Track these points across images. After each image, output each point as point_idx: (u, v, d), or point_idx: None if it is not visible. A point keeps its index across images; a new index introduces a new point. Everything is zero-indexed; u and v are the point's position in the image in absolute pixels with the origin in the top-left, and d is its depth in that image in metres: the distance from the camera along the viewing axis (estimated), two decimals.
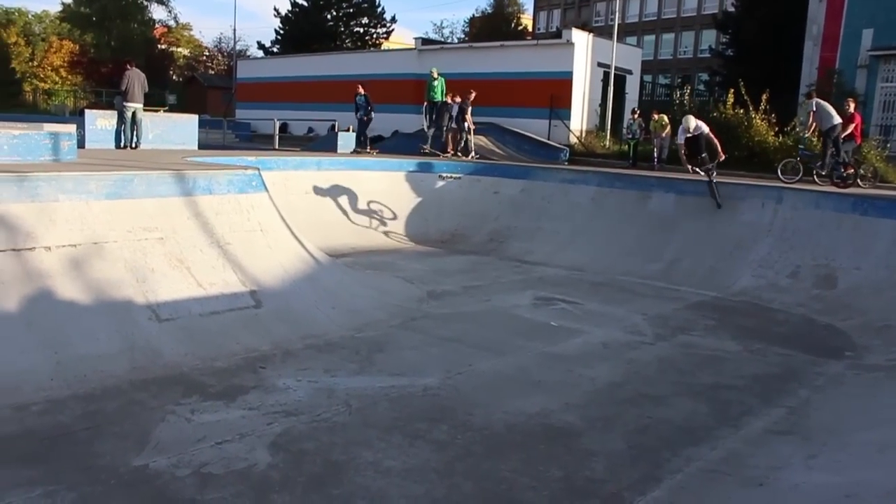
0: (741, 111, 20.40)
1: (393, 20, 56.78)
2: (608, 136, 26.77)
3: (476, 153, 20.35)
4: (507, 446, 5.48)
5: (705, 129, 13.60)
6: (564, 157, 23.64)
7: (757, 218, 12.64)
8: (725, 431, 5.95)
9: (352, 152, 19.50)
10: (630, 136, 21.96)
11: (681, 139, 13.65)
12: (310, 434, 5.51)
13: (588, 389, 6.87)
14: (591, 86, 27.71)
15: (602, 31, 42.24)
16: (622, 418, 6.17)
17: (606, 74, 27.53)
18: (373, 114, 20.84)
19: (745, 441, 5.78)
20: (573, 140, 26.07)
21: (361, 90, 20.79)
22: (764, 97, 19.81)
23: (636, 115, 22.02)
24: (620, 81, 28.81)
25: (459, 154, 19.79)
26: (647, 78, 45.63)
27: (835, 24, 24.77)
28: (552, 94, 26.39)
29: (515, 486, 4.86)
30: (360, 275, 10.67)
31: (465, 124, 19.88)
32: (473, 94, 20.06)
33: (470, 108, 19.93)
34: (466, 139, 20.07)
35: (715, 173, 13.52)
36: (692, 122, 13.56)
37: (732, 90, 20.76)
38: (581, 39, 27.49)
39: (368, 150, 19.72)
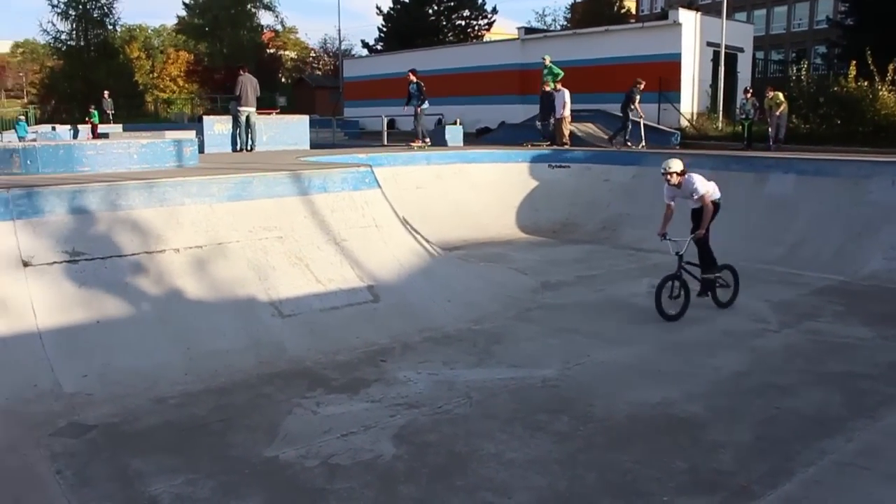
0: (865, 84, 19.34)
1: (494, 11, 56.71)
2: (720, 118, 25.91)
3: (639, 143, 19.72)
4: (630, 437, 5.42)
5: (699, 184, 8.76)
6: (676, 141, 23.01)
7: (886, 197, 11.92)
8: (861, 423, 5.67)
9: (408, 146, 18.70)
10: (743, 117, 21.18)
11: (667, 197, 8.97)
12: (432, 426, 5.60)
13: (711, 379, 6.69)
14: (700, 66, 26.87)
15: (709, 9, 40.87)
16: (748, 409, 5.98)
17: (716, 54, 26.63)
18: (426, 104, 18.86)
19: (885, 433, 5.51)
20: (684, 123, 25.37)
21: (413, 77, 18.93)
22: (891, 67, 18.72)
23: (749, 95, 21.20)
24: (731, 60, 27.83)
25: (617, 145, 19.28)
26: (759, 54, 43.91)
27: None
28: (660, 77, 25.72)
29: (640, 477, 4.80)
30: (473, 267, 10.74)
31: (632, 114, 19.46)
32: (643, 84, 19.61)
33: (638, 97, 19.51)
34: (626, 129, 19.64)
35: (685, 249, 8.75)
36: (675, 164, 8.77)
37: (854, 62, 19.69)
38: (688, 19, 26.69)
39: (421, 144, 18.53)
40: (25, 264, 7.07)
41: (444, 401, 6.10)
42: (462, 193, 15.56)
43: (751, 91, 21.56)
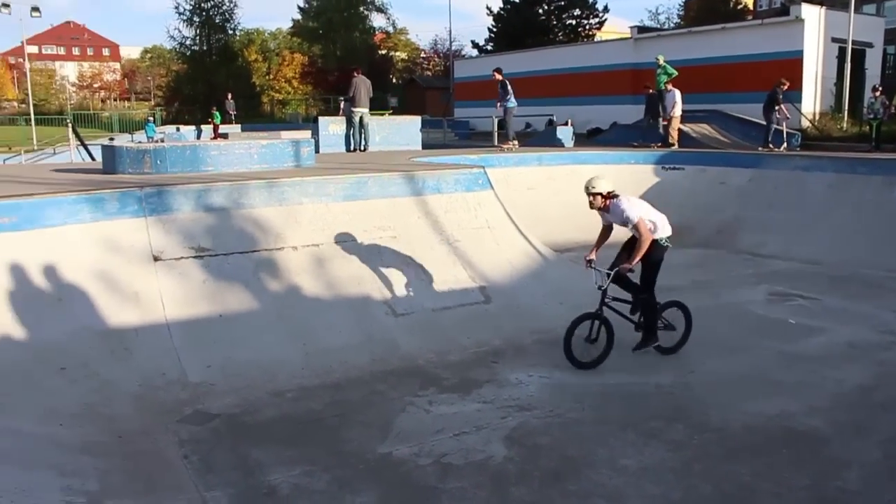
0: None
1: (605, 10, 55.86)
2: (846, 118, 24.75)
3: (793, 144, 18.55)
4: (747, 449, 5.26)
5: (631, 210, 7.00)
6: (796, 143, 22.14)
7: None
8: None
9: (496, 146, 17.84)
10: (871, 116, 20.12)
11: (604, 219, 7.40)
12: (544, 429, 5.60)
13: (834, 392, 6.41)
14: (824, 64, 25.73)
15: (834, 2, 39.08)
16: (876, 425, 5.70)
17: (842, 50, 25.42)
18: (510, 103, 17.32)
19: None
20: (805, 124, 24.36)
21: (498, 76, 17.45)
22: None
23: (878, 93, 20.13)
24: (859, 56, 26.50)
25: (771, 145, 18.46)
26: (891, 49, 41.59)
27: None
28: (780, 75, 24.84)
29: (758, 491, 4.66)
30: (585, 269, 10.60)
31: (775, 115, 18.66)
32: (786, 84, 18.72)
33: (780, 97, 18.73)
34: (770, 131, 18.81)
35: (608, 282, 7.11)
36: (600, 184, 7.10)
37: None
38: (812, 14, 25.59)
39: (510, 145, 17.42)
40: (156, 259, 7.49)
41: (555, 404, 6.08)
42: (574, 195, 15.13)
43: (880, 89, 20.47)
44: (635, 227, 6.97)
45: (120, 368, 6.48)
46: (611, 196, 7.04)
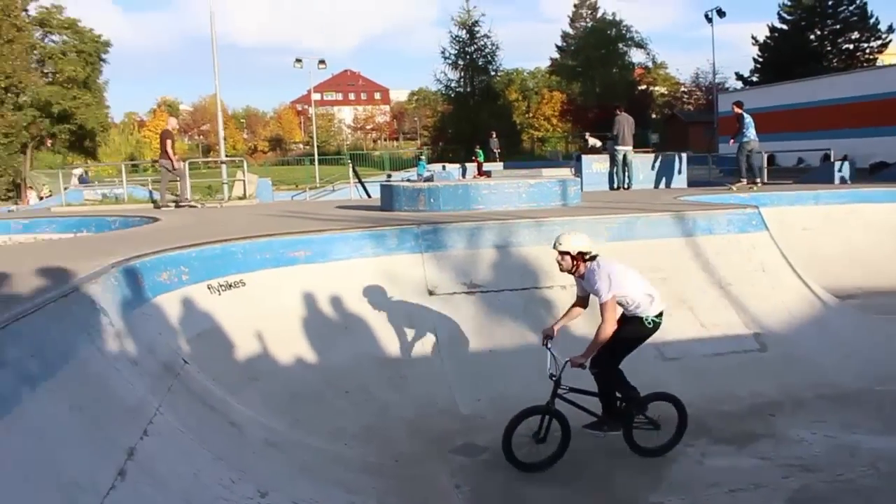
0: None
1: (889, 30, 51.23)
2: None
3: None
4: None
5: (604, 281, 5.57)
6: None
7: None
8: None
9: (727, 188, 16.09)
10: None
11: (578, 288, 6.16)
12: (833, 495, 5.16)
13: None
14: None
15: None
16: None
17: None
18: (744, 138, 15.94)
19: None
20: None
21: (737, 109, 16.16)
22: None
23: None
24: None
25: None
26: None
27: None
28: None
29: None
30: (873, 319, 9.69)
31: None
32: None
33: None
34: None
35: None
36: (568, 241, 5.76)
37: None
38: None
39: (748, 184, 15.86)
40: (430, 293, 7.93)
41: (844, 468, 5.56)
42: (855, 236, 14.09)
43: None
44: (601, 308, 5.60)
45: (396, 395, 6.91)
46: (586, 258, 5.73)
